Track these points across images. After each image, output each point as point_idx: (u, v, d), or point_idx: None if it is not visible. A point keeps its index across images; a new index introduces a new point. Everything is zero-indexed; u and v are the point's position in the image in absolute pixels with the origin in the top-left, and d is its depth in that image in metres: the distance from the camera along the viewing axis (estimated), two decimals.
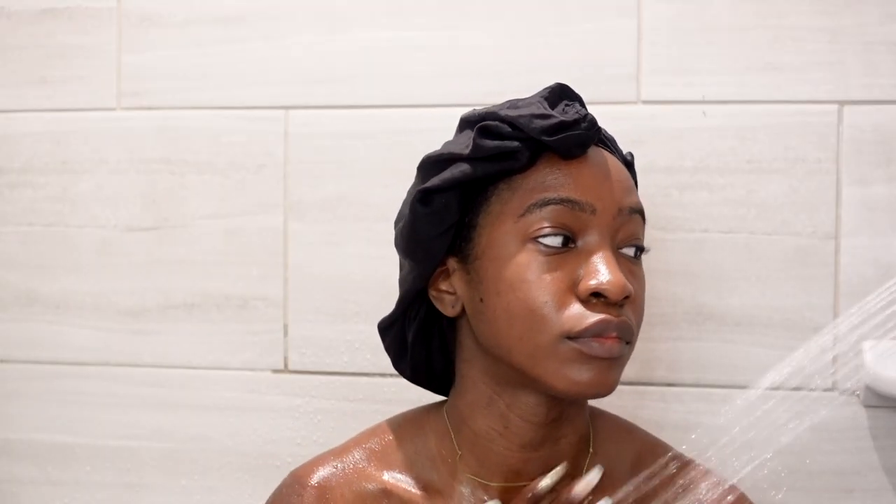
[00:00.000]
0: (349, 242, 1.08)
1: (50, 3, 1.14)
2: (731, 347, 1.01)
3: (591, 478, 0.70)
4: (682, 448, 0.80)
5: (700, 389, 1.02)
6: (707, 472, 0.78)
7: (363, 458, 0.77)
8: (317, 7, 1.09)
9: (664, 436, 0.81)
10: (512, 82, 1.04)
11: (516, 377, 0.70)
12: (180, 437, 1.11)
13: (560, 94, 0.72)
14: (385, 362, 0.85)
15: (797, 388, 0.97)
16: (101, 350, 1.13)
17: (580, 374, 0.66)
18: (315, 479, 0.76)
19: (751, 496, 0.79)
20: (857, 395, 0.99)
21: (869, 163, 0.99)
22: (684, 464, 0.78)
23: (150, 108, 1.12)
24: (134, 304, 1.12)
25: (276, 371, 1.09)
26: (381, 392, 1.07)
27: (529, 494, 0.70)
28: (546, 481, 0.70)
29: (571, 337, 0.66)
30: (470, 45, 1.06)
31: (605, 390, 0.67)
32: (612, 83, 1.03)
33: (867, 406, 0.99)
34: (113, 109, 1.13)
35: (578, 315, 0.66)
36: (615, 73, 1.03)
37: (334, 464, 0.77)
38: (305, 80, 1.09)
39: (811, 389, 0.97)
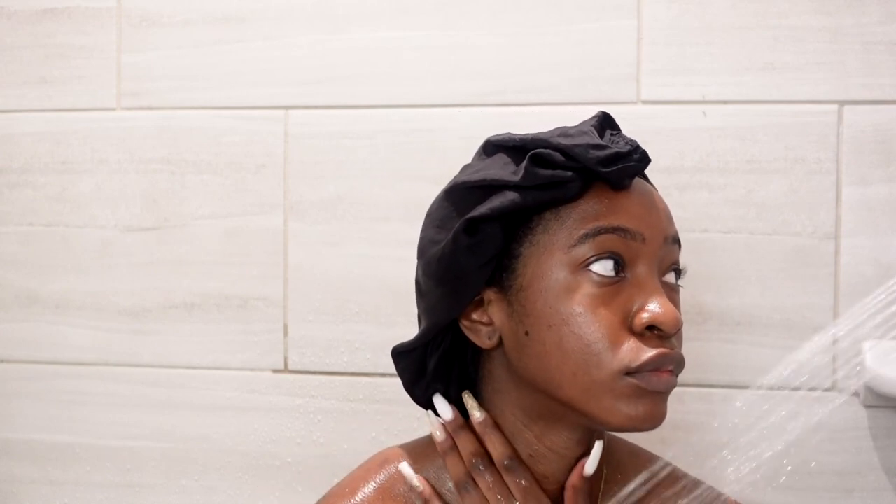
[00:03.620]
0: (349, 242, 1.08)
1: (50, 3, 1.14)
2: (732, 347, 1.01)
3: (595, 451, 0.70)
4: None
5: (700, 389, 1.02)
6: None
7: (378, 498, 0.72)
8: (317, 7, 1.09)
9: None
10: (512, 82, 1.05)
11: (554, 411, 0.69)
12: (180, 437, 1.11)
13: (605, 122, 0.71)
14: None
15: (797, 388, 0.97)
16: (101, 350, 1.13)
17: (636, 409, 0.65)
18: None
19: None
20: (857, 395, 0.99)
21: (869, 163, 0.99)
22: (692, 486, 0.77)
23: (150, 108, 1.12)
24: (134, 304, 1.12)
25: (276, 371, 1.09)
26: (381, 392, 1.07)
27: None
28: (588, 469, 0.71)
29: (629, 372, 0.64)
30: (470, 45, 1.06)
31: (658, 423, 0.66)
32: (611, 83, 1.03)
33: (867, 406, 0.99)
34: (113, 109, 1.13)
35: (636, 350, 0.64)
36: (615, 72, 1.03)
37: None
38: (305, 80, 1.09)
39: (811, 389, 0.97)
